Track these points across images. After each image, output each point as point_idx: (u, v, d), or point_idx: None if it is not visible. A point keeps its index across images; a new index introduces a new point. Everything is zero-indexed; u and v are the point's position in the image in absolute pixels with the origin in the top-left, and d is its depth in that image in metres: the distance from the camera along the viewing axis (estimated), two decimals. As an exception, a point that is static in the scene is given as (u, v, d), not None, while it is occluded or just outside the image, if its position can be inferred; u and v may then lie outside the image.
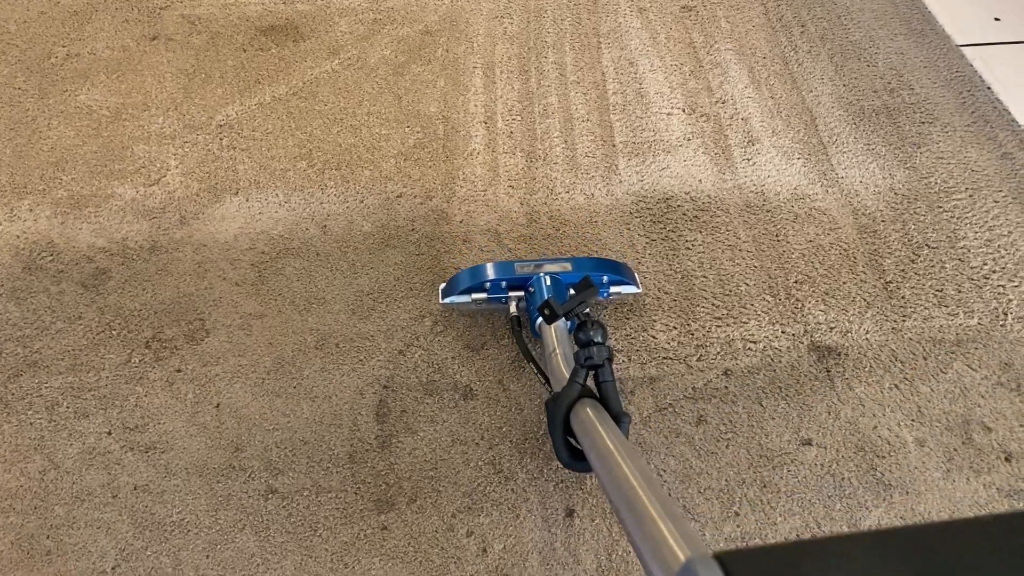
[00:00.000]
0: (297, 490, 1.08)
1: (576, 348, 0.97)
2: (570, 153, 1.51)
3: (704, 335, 1.25)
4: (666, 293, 1.30)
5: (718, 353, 1.23)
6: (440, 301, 1.25)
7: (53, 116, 1.54)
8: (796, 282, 1.32)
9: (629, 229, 1.39)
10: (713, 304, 1.29)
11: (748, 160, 1.50)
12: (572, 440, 0.96)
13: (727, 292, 1.30)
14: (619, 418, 0.93)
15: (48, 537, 1.04)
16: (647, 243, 1.36)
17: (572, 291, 1.18)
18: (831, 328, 1.26)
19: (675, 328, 1.26)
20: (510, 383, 1.19)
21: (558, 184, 1.46)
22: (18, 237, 1.35)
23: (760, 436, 1.14)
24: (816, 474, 1.11)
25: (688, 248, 1.36)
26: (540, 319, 1.11)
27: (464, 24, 1.76)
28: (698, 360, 1.22)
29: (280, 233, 1.37)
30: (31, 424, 1.14)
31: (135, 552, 1.03)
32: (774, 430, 1.15)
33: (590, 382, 0.98)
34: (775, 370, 1.21)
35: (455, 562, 1.03)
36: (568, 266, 1.20)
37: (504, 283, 1.20)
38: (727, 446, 1.13)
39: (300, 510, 1.07)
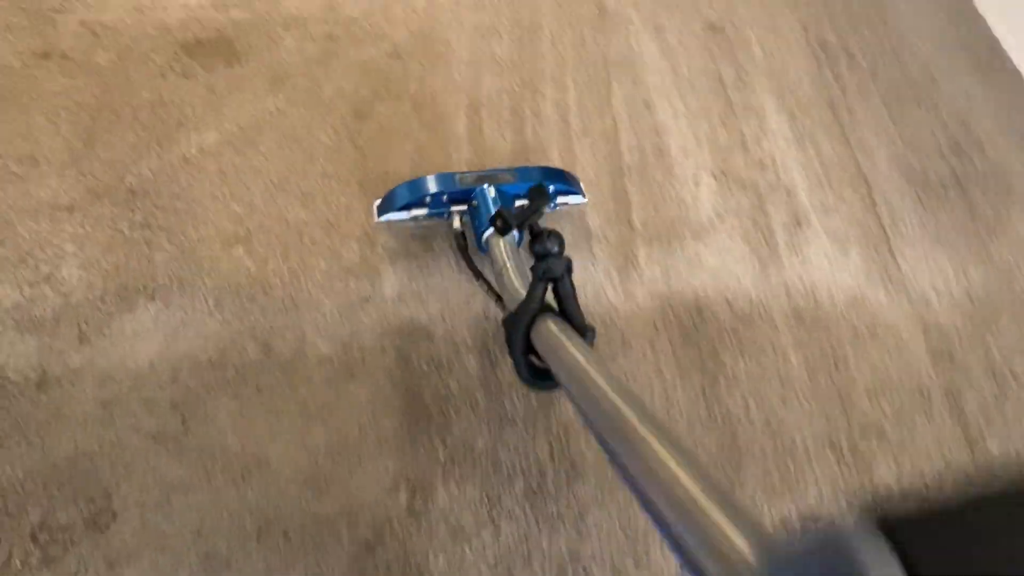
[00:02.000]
0: None
1: (532, 261, 0.91)
2: (579, 233, 1.21)
3: (756, 513, 0.99)
4: (703, 448, 1.03)
5: (772, 541, 0.98)
6: (376, 220, 1.15)
7: (-92, 172, 1.18)
8: (862, 430, 1.07)
9: (654, 350, 1.11)
10: (764, 467, 1.03)
11: (795, 249, 1.22)
12: (535, 358, 0.88)
13: (780, 447, 1.04)
14: (583, 332, 0.84)
15: None
16: (679, 373, 1.09)
17: (519, 203, 1.12)
18: (905, 496, 1.02)
19: (718, 505, 1.00)
20: (512, 587, 0.93)
21: (565, 284, 1.16)
22: None
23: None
24: None
25: (730, 381, 1.09)
26: (487, 232, 1.05)
27: (442, 44, 1.42)
28: (748, 553, 0.97)
29: (210, 357, 1.06)
30: None
31: None
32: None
33: (549, 296, 0.91)
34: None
35: None
36: (511, 177, 1.12)
37: (445, 196, 1.12)
38: None
39: None
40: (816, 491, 1.02)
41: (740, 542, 0.42)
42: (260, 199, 1.20)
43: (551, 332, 0.82)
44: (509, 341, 0.89)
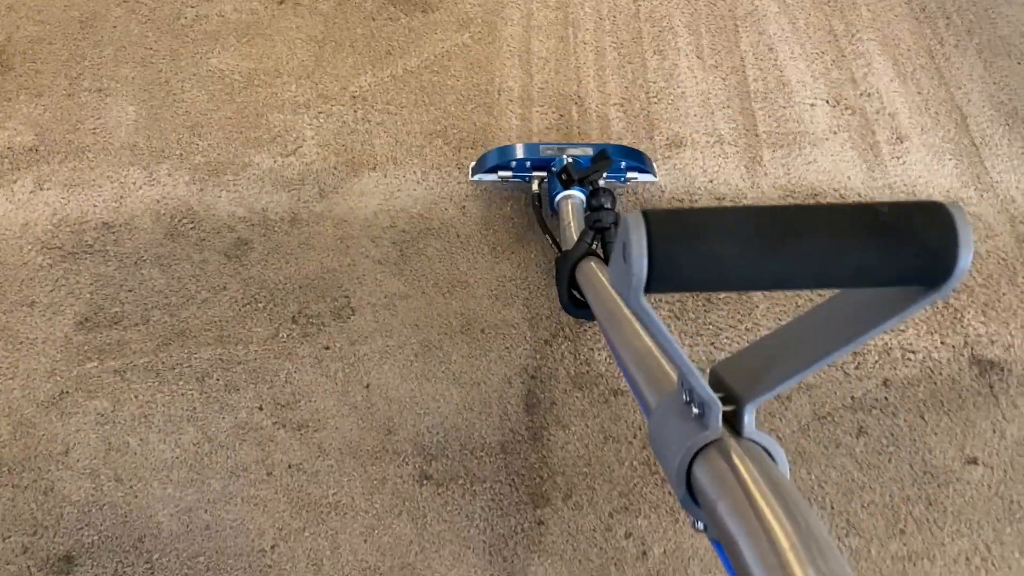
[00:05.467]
0: (452, 477, 1.07)
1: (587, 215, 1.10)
2: (713, 139, 1.46)
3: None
4: (820, 294, 1.26)
5: (876, 362, 1.19)
6: (470, 178, 1.36)
7: (186, 79, 1.52)
8: (954, 291, 1.27)
9: (776, 225, 1.34)
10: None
11: (897, 158, 1.44)
12: (576, 293, 1.06)
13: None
14: None
15: (206, 511, 1.05)
16: (796, 241, 1.32)
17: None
18: (992, 341, 1.21)
19: (830, 333, 1.22)
20: (660, 380, 1.16)
21: (700, 174, 1.41)
22: (158, 202, 1.34)
23: (923, 451, 1.11)
24: (984, 495, 1.07)
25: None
26: (559, 196, 1.22)
27: (582, 15, 1.71)
28: (856, 368, 1.18)
29: (419, 212, 1.35)
30: (183, 395, 1.14)
31: (292, 532, 1.03)
32: (937, 446, 1.11)
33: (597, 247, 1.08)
34: (936, 383, 1.17)
35: (615, 564, 1.01)
36: (590, 151, 1.26)
37: (529, 163, 1.28)
38: (889, 460, 1.10)
39: (456, 499, 1.06)
40: (914, 331, 1.22)
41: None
42: (453, 107, 1.50)
43: (592, 271, 0.97)
44: (558, 276, 1.08)
